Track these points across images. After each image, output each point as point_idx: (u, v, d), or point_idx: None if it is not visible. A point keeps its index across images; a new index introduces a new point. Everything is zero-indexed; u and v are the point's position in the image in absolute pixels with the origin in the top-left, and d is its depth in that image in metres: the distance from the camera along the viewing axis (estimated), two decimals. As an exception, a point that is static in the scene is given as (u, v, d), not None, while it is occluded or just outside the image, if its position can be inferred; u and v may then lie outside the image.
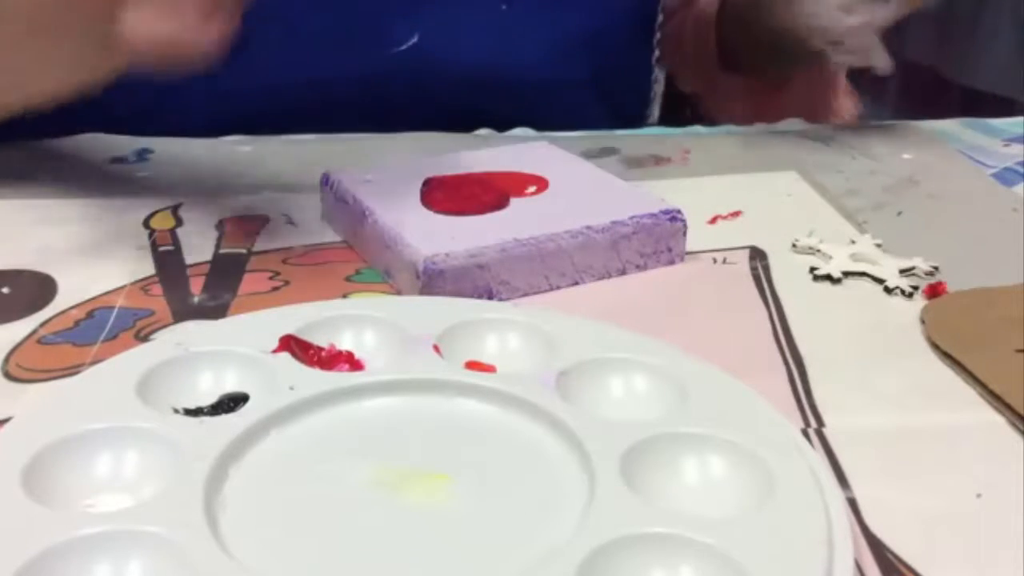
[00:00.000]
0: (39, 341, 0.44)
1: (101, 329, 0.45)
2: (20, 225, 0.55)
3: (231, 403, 0.37)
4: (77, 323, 0.46)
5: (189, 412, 0.37)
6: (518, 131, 0.72)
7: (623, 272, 0.51)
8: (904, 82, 1.49)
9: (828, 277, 0.51)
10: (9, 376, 0.42)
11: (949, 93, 1.66)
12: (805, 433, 0.39)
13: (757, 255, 0.54)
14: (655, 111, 0.91)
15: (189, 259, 0.52)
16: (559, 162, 0.58)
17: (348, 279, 0.50)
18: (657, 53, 0.87)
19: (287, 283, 0.50)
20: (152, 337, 0.44)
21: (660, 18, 0.85)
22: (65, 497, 0.32)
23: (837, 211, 0.60)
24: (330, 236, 0.54)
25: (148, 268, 0.51)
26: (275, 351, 0.39)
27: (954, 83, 1.68)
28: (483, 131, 0.71)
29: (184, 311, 0.47)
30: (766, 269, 0.52)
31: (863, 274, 0.51)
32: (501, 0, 0.75)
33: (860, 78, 0.65)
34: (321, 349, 0.40)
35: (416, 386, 0.38)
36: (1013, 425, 0.39)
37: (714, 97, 0.88)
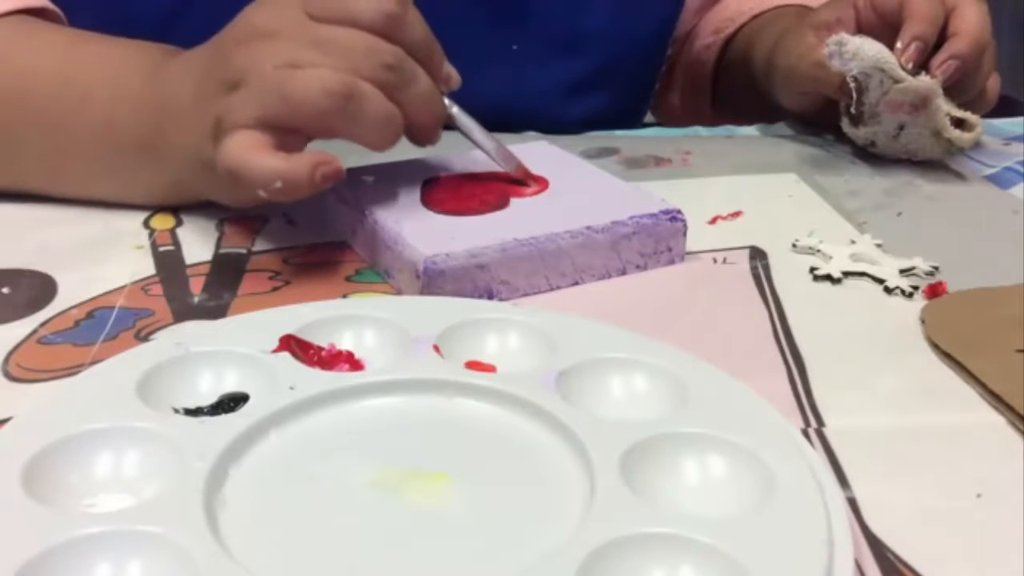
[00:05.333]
0: (39, 341, 0.44)
1: (101, 329, 0.45)
2: (20, 225, 0.55)
3: (231, 403, 0.37)
4: (77, 323, 0.46)
5: (189, 412, 0.37)
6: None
7: (623, 272, 0.51)
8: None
9: (828, 277, 0.51)
10: (9, 376, 0.42)
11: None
12: (805, 433, 0.39)
13: (757, 255, 0.54)
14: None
15: (189, 259, 0.52)
16: (559, 162, 0.58)
17: (348, 279, 0.50)
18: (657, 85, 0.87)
19: (287, 283, 0.50)
20: (152, 337, 0.44)
21: (669, 51, 0.85)
22: (65, 497, 0.32)
23: (837, 212, 0.60)
24: (330, 236, 0.54)
25: (148, 268, 0.51)
26: (275, 351, 0.39)
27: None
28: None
29: (184, 311, 0.47)
30: (766, 269, 0.52)
31: (863, 274, 0.51)
32: (512, 41, 0.75)
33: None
34: (321, 349, 0.40)
35: (416, 386, 0.38)
36: (1013, 425, 0.39)
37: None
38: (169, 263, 0.51)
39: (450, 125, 0.53)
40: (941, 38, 0.63)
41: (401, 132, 0.49)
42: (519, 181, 0.54)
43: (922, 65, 0.62)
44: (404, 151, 0.54)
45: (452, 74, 0.52)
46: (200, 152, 0.49)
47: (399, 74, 0.48)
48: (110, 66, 0.55)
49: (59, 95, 0.54)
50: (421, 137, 0.51)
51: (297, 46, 0.47)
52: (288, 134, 0.47)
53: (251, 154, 0.46)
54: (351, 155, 0.51)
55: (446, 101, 0.52)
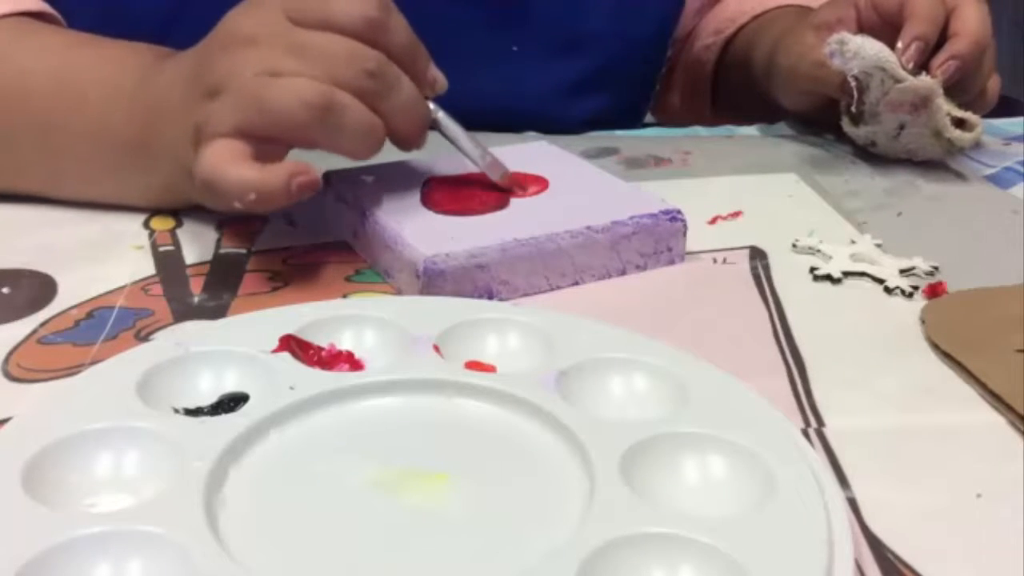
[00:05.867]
0: (39, 341, 0.44)
1: (101, 329, 0.45)
2: (20, 225, 0.55)
3: (231, 403, 0.37)
4: (77, 323, 0.46)
5: (189, 412, 0.37)
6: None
7: (623, 272, 0.51)
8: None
9: (828, 277, 0.51)
10: (9, 376, 0.42)
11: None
12: (805, 433, 0.39)
13: (757, 255, 0.54)
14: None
15: (189, 259, 0.52)
16: (559, 162, 0.58)
17: (348, 279, 0.50)
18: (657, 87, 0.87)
19: (287, 283, 0.50)
20: (152, 337, 0.44)
21: (669, 52, 0.85)
22: (65, 497, 0.32)
23: (837, 212, 0.60)
24: (330, 236, 0.54)
25: (148, 268, 0.51)
26: (275, 351, 0.39)
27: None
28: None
29: (184, 311, 0.47)
30: (766, 269, 0.52)
31: (863, 274, 0.51)
32: (512, 42, 0.75)
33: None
34: (321, 349, 0.40)
35: (416, 386, 0.38)
36: (1013, 425, 0.39)
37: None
38: (169, 263, 0.51)
39: (436, 128, 0.53)
40: (942, 38, 0.63)
41: (383, 141, 0.48)
42: (510, 190, 0.54)
43: (922, 65, 0.62)
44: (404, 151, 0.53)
45: (438, 78, 0.51)
46: (187, 157, 0.49)
47: (381, 81, 0.47)
48: (105, 68, 0.55)
49: (55, 97, 0.54)
50: (405, 143, 0.50)
51: (277, 53, 0.47)
52: (266, 143, 0.47)
53: (225, 165, 0.46)
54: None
55: (431, 106, 0.52)
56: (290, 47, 0.47)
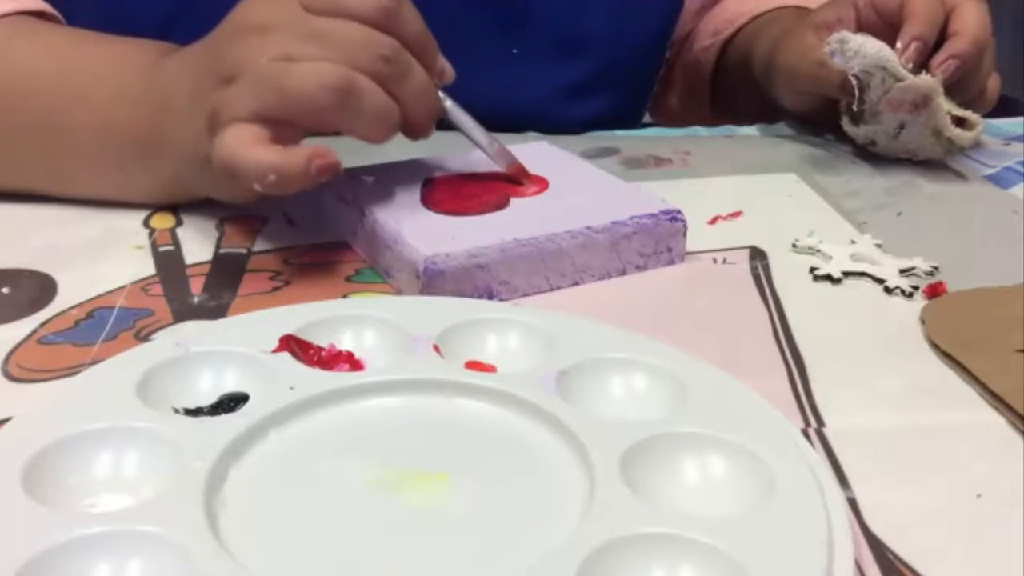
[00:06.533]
0: (39, 341, 0.44)
1: (101, 329, 0.45)
2: (21, 225, 0.55)
3: (231, 403, 0.37)
4: (77, 323, 0.46)
5: (189, 412, 0.37)
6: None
7: (623, 272, 0.51)
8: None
9: (828, 277, 0.51)
10: (9, 376, 0.42)
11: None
12: (805, 433, 0.39)
13: (757, 255, 0.54)
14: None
15: (189, 259, 0.52)
16: (559, 162, 0.58)
17: (348, 279, 0.50)
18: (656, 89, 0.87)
19: (287, 283, 0.50)
20: (152, 337, 0.44)
21: (668, 53, 0.85)
22: (65, 497, 0.32)
23: (837, 212, 0.60)
24: (330, 236, 0.54)
25: (148, 268, 0.51)
26: (275, 351, 0.39)
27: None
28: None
29: (184, 311, 0.47)
30: (766, 269, 0.52)
31: (863, 274, 0.51)
32: (512, 44, 0.75)
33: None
34: (321, 349, 0.40)
35: (416, 386, 0.38)
36: (1013, 425, 0.39)
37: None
38: (169, 263, 0.51)
39: (445, 121, 0.53)
40: (941, 37, 0.63)
41: (399, 125, 0.49)
42: (516, 180, 0.54)
43: (922, 65, 0.63)
44: (403, 150, 0.54)
45: (446, 68, 0.52)
46: (197, 148, 0.49)
47: (396, 67, 0.48)
48: (108, 65, 0.55)
49: (58, 95, 0.54)
50: (415, 130, 0.51)
51: (293, 39, 0.47)
52: (284, 127, 0.47)
53: (245, 148, 0.46)
54: (351, 155, 0.51)
55: (440, 94, 0.52)
56: (306, 33, 0.47)
